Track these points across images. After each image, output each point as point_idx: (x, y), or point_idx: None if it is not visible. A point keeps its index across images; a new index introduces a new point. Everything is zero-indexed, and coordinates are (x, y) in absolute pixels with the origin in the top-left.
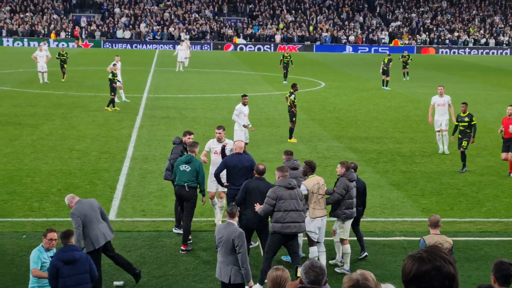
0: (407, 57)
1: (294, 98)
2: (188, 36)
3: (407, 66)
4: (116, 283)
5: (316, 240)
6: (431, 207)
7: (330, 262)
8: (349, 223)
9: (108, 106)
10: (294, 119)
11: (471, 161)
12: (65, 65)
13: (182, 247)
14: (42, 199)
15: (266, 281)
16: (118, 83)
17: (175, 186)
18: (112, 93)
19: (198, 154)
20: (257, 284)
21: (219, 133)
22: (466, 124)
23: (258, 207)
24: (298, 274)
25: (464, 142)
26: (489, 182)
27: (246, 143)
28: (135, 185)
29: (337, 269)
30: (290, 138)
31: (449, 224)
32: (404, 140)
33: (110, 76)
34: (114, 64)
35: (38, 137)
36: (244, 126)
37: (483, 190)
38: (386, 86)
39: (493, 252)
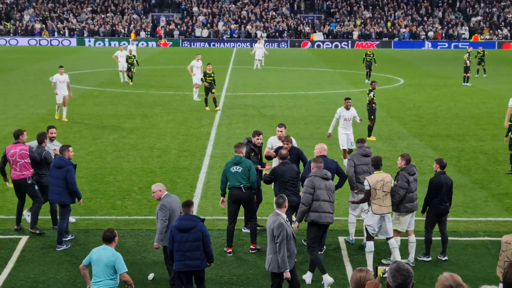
0: (482, 53)
1: (374, 96)
2: (265, 34)
3: (482, 63)
4: (151, 275)
5: (374, 236)
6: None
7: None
8: (408, 216)
9: (207, 105)
10: (372, 116)
11: None
12: (133, 68)
13: (251, 246)
14: (124, 197)
15: (349, 282)
16: (200, 82)
17: (230, 189)
18: (206, 94)
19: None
20: (324, 275)
21: (280, 131)
22: None
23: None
24: (379, 273)
25: None
26: None
27: (350, 150)
28: (215, 183)
29: (383, 260)
30: (369, 136)
31: None
32: (487, 137)
33: (201, 76)
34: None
35: (120, 135)
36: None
37: None
38: (467, 82)
39: None
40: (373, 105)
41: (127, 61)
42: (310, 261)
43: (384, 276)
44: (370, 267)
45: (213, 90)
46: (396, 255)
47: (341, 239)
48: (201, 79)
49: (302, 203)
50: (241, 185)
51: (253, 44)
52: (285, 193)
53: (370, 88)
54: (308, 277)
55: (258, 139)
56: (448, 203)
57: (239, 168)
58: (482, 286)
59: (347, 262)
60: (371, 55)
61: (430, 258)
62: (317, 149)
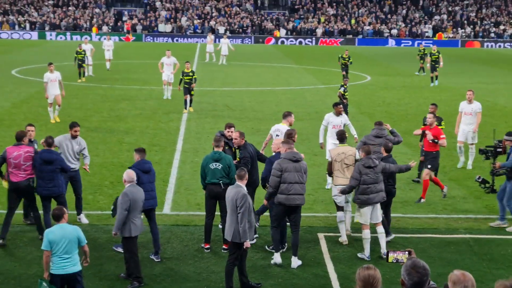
0: (436, 54)
1: (344, 91)
2: (223, 28)
3: (436, 66)
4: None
5: (341, 205)
6: (495, 203)
7: (359, 255)
8: (367, 209)
9: (185, 107)
10: (344, 112)
11: None
12: (84, 65)
13: (223, 246)
14: (95, 192)
15: (356, 280)
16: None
17: (208, 185)
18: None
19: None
20: (276, 253)
21: (230, 132)
22: None
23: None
24: (390, 260)
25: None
26: None
27: None
28: (187, 178)
29: (359, 254)
30: None
31: None
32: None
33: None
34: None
35: (87, 129)
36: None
37: None
38: (435, 81)
39: None
40: (345, 101)
41: (77, 56)
42: (292, 246)
43: (393, 262)
44: (344, 236)
45: (192, 92)
46: (366, 248)
47: (321, 236)
48: (180, 79)
49: (269, 185)
50: (220, 182)
51: (217, 39)
52: None
53: (342, 84)
54: (294, 262)
55: (229, 131)
56: (393, 186)
57: (219, 165)
58: (454, 270)
59: (327, 260)
60: (347, 59)
61: (392, 236)
62: (275, 145)
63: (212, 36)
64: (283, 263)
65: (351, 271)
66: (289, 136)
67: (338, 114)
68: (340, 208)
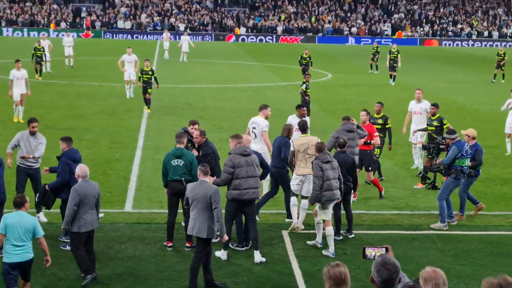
0: (396, 53)
1: (306, 88)
2: (183, 25)
3: (395, 65)
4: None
5: (296, 193)
6: (455, 200)
7: (309, 242)
8: (330, 205)
9: (147, 105)
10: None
11: (491, 154)
12: (42, 62)
13: (187, 244)
14: None
15: (325, 279)
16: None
17: (170, 182)
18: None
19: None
20: (222, 250)
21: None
22: (380, 127)
23: (211, 180)
24: (367, 253)
25: (376, 150)
26: None
27: None
28: (149, 175)
29: (323, 251)
30: None
31: (478, 217)
32: None
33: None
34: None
35: (46, 126)
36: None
37: (508, 183)
38: (394, 80)
39: None
40: (306, 97)
41: (35, 52)
42: (252, 240)
43: (370, 258)
44: (295, 220)
45: (149, 90)
46: (328, 243)
47: (285, 233)
48: (139, 77)
49: (221, 182)
50: (182, 179)
51: (177, 37)
52: None
53: (304, 81)
54: (257, 256)
55: (193, 128)
56: (352, 183)
57: (180, 162)
58: (426, 267)
59: (292, 257)
60: (308, 59)
61: (341, 237)
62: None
63: (168, 34)
64: (248, 262)
65: (315, 269)
66: (304, 127)
67: (301, 116)
68: (294, 194)
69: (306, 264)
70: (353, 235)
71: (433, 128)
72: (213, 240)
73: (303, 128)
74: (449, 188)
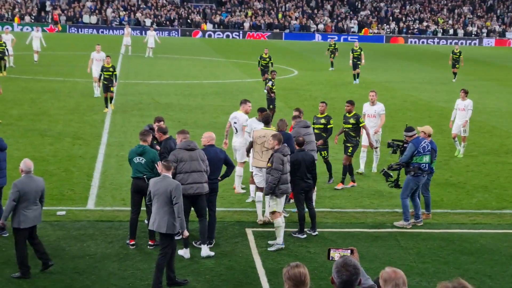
0: (359, 51)
1: (272, 85)
2: (150, 21)
3: (358, 63)
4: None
5: (260, 186)
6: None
7: (270, 242)
8: (283, 197)
9: (106, 106)
10: (271, 106)
11: (454, 151)
12: (5, 57)
13: (150, 242)
14: None
15: (285, 279)
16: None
17: (133, 179)
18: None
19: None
20: (183, 249)
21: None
22: (322, 126)
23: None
24: (331, 257)
25: (323, 152)
26: (475, 172)
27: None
28: (112, 172)
29: (270, 249)
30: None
31: (442, 215)
32: (385, 129)
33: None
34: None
35: (7, 122)
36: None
37: (470, 181)
38: (357, 79)
39: (489, 244)
40: (272, 94)
41: None
42: (200, 234)
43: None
44: (260, 216)
45: (112, 89)
46: (276, 234)
47: (249, 231)
48: (100, 74)
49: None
50: (144, 176)
51: (143, 32)
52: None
53: (269, 78)
54: (203, 250)
55: (158, 125)
56: (312, 180)
57: (142, 159)
58: (386, 267)
59: (255, 255)
60: (267, 59)
61: (305, 235)
62: (205, 138)
63: (129, 29)
64: (211, 260)
65: (279, 267)
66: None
67: (261, 120)
68: (259, 189)
69: (270, 262)
70: (316, 233)
71: (349, 126)
72: (176, 238)
73: (266, 121)
74: (409, 186)
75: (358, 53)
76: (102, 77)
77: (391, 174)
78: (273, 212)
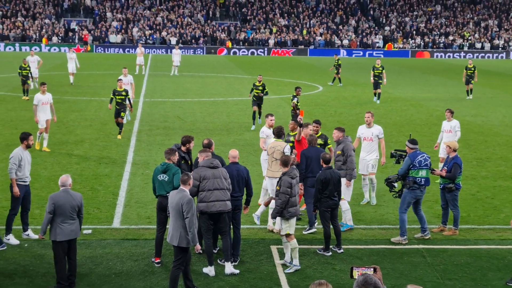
0: (380, 69)
1: (297, 101)
2: (175, 39)
3: (380, 82)
4: (85, 231)
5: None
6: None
7: (278, 262)
8: (294, 220)
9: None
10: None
11: (481, 166)
12: (28, 81)
13: (154, 259)
14: (43, 206)
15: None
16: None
17: (157, 197)
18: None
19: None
20: (208, 267)
21: (272, 120)
22: (318, 146)
23: None
24: (354, 276)
25: None
26: (503, 188)
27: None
28: (138, 191)
29: (287, 270)
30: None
31: (468, 231)
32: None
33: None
34: (120, 80)
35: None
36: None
37: (498, 196)
38: (378, 99)
39: None
40: (297, 111)
41: (21, 71)
42: (223, 251)
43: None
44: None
45: (122, 114)
46: (292, 256)
47: (274, 248)
48: (111, 98)
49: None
50: (168, 194)
51: (168, 50)
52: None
53: (294, 94)
54: (227, 267)
55: (188, 146)
56: (338, 197)
57: (165, 177)
58: (408, 285)
59: (280, 273)
60: (260, 87)
61: (330, 253)
62: (229, 156)
63: (142, 48)
64: (236, 278)
65: (304, 284)
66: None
67: (269, 126)
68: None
69: (295, 279)
70: (342, 250)
71: (318, 146)
72: (197, 251)
73: (278, 134)
74: (406, 200)
75: (380, 71)
76: (113, 101)
77: (395, 184)
78: (287, 235)
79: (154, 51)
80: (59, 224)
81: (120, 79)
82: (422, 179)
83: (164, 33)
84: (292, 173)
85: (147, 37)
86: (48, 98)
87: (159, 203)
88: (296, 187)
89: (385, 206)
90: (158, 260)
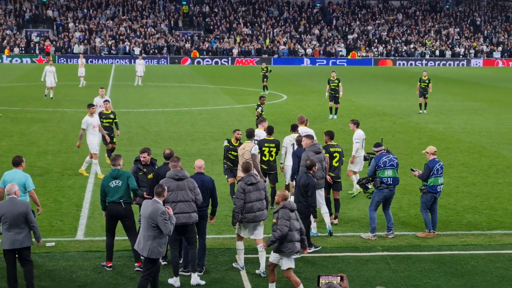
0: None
1: (262, 111)
2: (138, 50)
3: (337, 95)
4: (48, 244)
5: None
6: (410, 220)
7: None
8: (252, 225)
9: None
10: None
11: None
12: (114, 139)
13: (136, 264)
14: None
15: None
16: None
17: (109, 204)
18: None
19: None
20: (174, 277)
21: (143, 157)
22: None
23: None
24: (320, 285)
25: None
26: (465, 193)
27: None
28: None
29: (233, 264)
30: None
31: (432, 238)
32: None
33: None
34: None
35: None
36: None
37: (460, 202)
38: (335, 114)
39: (480, 266)
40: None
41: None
42: (189, 262)
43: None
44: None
45: (114, 140)
46: (241, 258)
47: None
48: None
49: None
50: (121, 201)
51: (132, 61)
52: None
53: (259, 103)
54: (193, 278)
55: (144, 157)
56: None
57: (119, 182)
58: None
59: (246, 282)
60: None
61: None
62: (195, 166)
63: (84, 60)
64: (197, 285)
65: None
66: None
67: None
68: (240, 238)
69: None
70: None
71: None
72: (163, 263)
73: (249, 135)
74: (375, 199)
75: (336, 84)
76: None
77: (369, 185)
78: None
79: (117, 62)
80: (5, 232)
81: (107, 100)
82: (389, 179)
83: (127, 43)
84: (247, 179)
85: (110, 47)
86: (97, 120)
87: (110, 209)
88: (254, 193)
89: (349, 213)
90: (110, 264)
